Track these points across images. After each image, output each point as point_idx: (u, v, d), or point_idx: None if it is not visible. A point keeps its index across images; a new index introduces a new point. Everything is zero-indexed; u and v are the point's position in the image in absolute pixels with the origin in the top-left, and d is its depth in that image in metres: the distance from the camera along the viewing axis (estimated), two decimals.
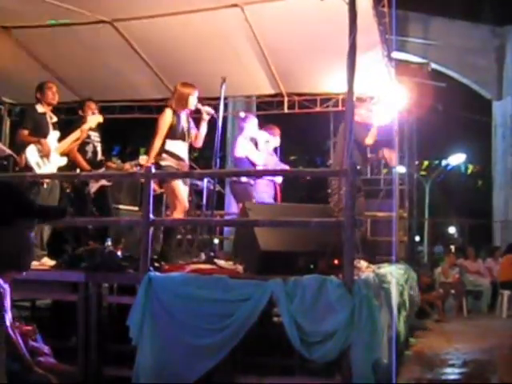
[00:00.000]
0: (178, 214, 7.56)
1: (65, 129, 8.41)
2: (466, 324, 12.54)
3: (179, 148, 7.83)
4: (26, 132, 7.88)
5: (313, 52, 9.12)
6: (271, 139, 9.98)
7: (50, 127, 8.09)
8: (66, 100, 10.45)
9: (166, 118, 7.78)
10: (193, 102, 7.90)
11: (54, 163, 7.96)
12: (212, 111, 8.03)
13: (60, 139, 8.16)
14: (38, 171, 7.77)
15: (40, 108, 8.07)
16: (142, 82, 10.67)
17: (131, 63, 9.99)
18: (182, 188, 7.69)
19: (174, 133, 7.78)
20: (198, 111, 8.00)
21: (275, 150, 10.17)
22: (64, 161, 8.13)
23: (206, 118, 8.00)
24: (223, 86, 7.90)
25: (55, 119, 8.24)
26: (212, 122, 8.12)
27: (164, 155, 7.74)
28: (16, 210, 2.44)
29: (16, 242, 2.46)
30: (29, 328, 4.19)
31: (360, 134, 8.93)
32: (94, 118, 8.52)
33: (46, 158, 7.86)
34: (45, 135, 7.96)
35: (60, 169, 8.08)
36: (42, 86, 8.20)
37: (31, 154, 7.77)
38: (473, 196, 30.83)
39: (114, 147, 15.04)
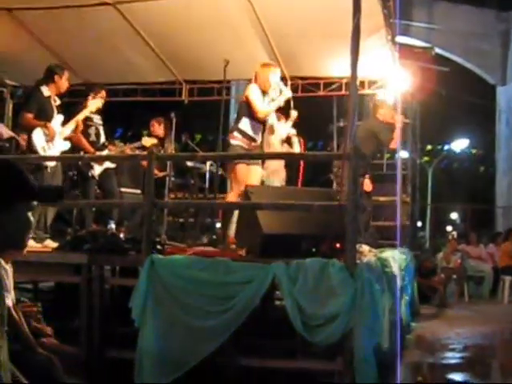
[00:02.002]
0: (232, 197, 7.52)
1: (67, 111, 8.40)
2: (468, 309, 12.57)
3: (254, 128, 7.75)
4: (30, 115, 7.78)
5: (316, 35, 9.09)
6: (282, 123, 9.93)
7: (55, 111, 8.03)
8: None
9: (252, 92, 7.66)
10: (274, 80, 7.78)
11: (57, 148, 7.93)
12: (289, 94, 7.92)
13: (63, 123, 8.14)
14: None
15: (46, 91, 7.93)
16: (145, 65, 10.64)
17: (134, 46, 9.96)
18: (244, 171, 7.60)
19: (251, 111, 7.66)
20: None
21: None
22: (67, 145, 8.10)
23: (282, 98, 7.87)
24: (226, 68, 7.83)
25: (59, 102, 8.18)
26: (215, 106, 8.05)
27: (235, 133, 7.66)
28: (16, 191, 2.45)
29: (15, 222, 2.46)
30: (32, 309, 4.20)
31: (386, 136, 8.97)
32: (93, 103, 8.49)
33: (51, 142, 7.83)
34: (49, 119, 7.87)
35: (63, 153, 8.05)
36: (55, 71, 8.06)
37: (38, 138, 7.70)
38: (475, 181, 30.78)
39: (116, 130, 15.03)
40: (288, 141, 9.77)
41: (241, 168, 7.52)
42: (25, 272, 5.56)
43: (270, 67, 7.87)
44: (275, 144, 9.46)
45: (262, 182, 8.47)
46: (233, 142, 7.62)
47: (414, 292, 10.39)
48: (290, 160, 8.98)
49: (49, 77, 7.99)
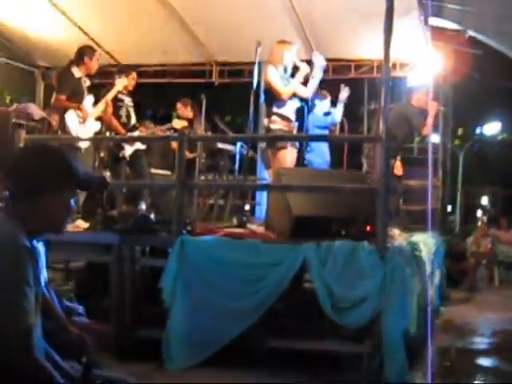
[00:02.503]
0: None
1: (99, 92, 8.44)
2: (497, 294, 12.47)
3: (288, 108, 7.70)
4: (63, 97, 7.82)
5: (348, 17, 9.00)
6: (321, 101, 9.91)
7: (85, 91, 8.08)
8: (100, 63, 10.49)
9: (271, 75, 7.59)
10: (289, 58, 7.70)
11: (89, 129, 7.98)
12: (308, 69, 7.81)
13: (94, 104, 8.18)
14: None
15: (77, 72, 7.97)
16: (176, 46, 10.62)
17: (166, 27, 9.94)
18: (288, 155, 7.55)
19: (277, 93, 7.59)
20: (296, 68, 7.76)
21: (327, 114, 10.08)
22: (98, 126, 8.15)
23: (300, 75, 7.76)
24: (258, 50, 7.77)
25: (89, 83, 8.22)
26: (245, 88, 8.00)
27: (274, 118, 7.64)
28: (65, 178, 2.48)
29: (60, 208, 2.49)
30: (64, 288, 4.25)
31: (419, 121, 8.91)
32: (119, 82, 8.53)
33: (84, 123, 7.88)
34: (81, 100, 7.92)
35: (95, 134, 8.11)
36: (86, 53, 8.08)
37: (71, 119, 7.76)
38: (507, 166, 30.41)
39: (146, 111, 15.07)
40: None
41: (285, 152, 7.49)
42: (56, 251, 5.62)
43: (285, 44, 7.77)
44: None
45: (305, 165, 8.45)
46: (273, 126, 7.59)
47: (444, 276, 10.33)
48: (320, 141, 8.93)
49: (79, 58, 8.02)
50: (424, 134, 9.22)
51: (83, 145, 7.77)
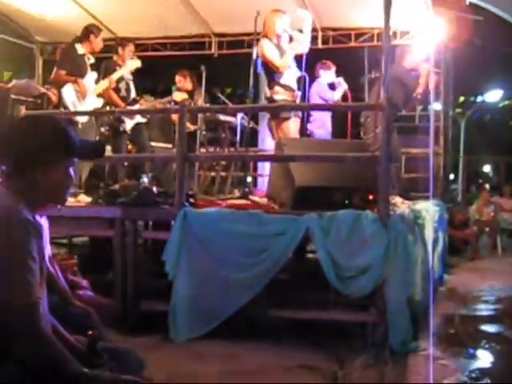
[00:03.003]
0: None
1: (97, 66, 8.43)
2: (500, 262, 12.49)
3: (290, 78, 7.65)
4: (63, 72, 7.89)
5: None
6: (325, 72, 9.88)
7: (88, 68, 8.09)
8: None
9: (266, 49, 7.54)
10: (280, 26, 7.64)
11: (89, 104, 7.97)
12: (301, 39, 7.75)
13: (97, 80, 8.19)
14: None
15: (80, 49, 8.07)
16: (174, 19, 10.54)
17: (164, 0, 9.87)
18: (292, 126, 7.54)
19: (274, 67, 7.55)
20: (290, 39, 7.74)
21: (331, 85, 10.03)
22: (100, 102, 8.15)
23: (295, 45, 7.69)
24: (257, 20, 7.71)
25: (93, 60, 8.25)
26: (244, 60, 7.95)
27: (277, 88, 7.60)
28: (59, 147, 2.45)
29: (59, 179, 2.47)
30: (68, 262, 4.25)
31: (412, 82, 8.79)
32: (131, 63, 8.54)
33: (82, 98, 7.87)
34: (82, 76, 7.97)
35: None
36: (92, 31, 8.16)
37: (68, 93, 7.78)
38: (509, 133, 30.32)
39: (146, 85, 14.99)
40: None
41: (289, 123, 7.47)
42: (59, 226, 5.64)
43: (277, 13, 7.70)
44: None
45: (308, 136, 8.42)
46: (276, 97, 7.55)
47: (446, 244, 10.34)
48: (322, 110, 8.89)
49: (85, 35, 8.14)
50: (418, 93, 9.07)
51: (81, 119, 7.74)
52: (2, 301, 2.19)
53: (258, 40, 7.83)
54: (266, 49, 7.52)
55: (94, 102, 8.04)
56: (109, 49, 9.41)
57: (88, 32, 8.14)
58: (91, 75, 8.10)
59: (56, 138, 2.45)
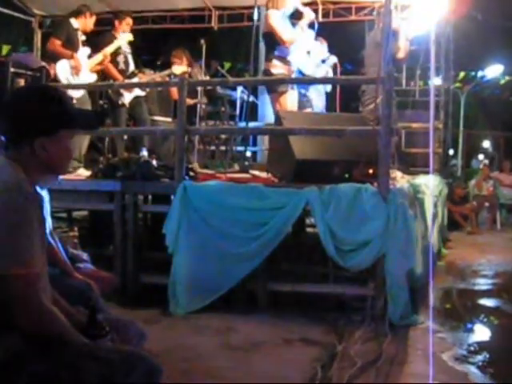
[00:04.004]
0: None
1: (95, 40, 8.40)
2: (499, 237, 12.53)
3: (289, 53, 7.62)
4: (59, 42, 7.91)
5: None
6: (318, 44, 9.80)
7: (80, 44, 8.09)
8: (96, 11, 10.34)
9: (274, 20, 7.47)
10: (291, 2, 7.61)
11: (83, 80, 7.95)
12: (312, 15, 7.73)
13: (90, 56, 8.17)
14: None
15: (75, 23, 8.12)
16: None
17: None
18: (289, 99, 7.53)
19: (280, 39, 7.51)
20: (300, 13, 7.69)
21: (323, 61, 9.96)
22: (94, 78, 8.14)
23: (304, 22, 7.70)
24: None
25: (84, 38, 8.25)
26: (244, 33, 7.89)
27: (274, 61, 7.55)
28: (58, 117, 2.43)
29: (58, 150, 2.45)
30: (69, 234, 4.27)
31: (392, 45, 8.55)
32: (123, 37, 8.51)
33: (76, 74, 7.87)
34: (75, 50, 7.97)
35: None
36: (83, 12, 8.22)
37: (62, 68, 7.79)
38: (509, 109, 30.22)
39: (145, 58, 14.92)
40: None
41: (286, 96, 7.44)
42: (59, 200, 5.64)
43: None
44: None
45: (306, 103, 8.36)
46: (274, 70, 7.51)
47: (445, 219, 10.36)
48: (323, 84, 8.82)
49: (79, 12, 8.21)
50: (399, 57, 8.90)
51: (76, 95, 7.71)
52: (3, 271, 2.19)
53: (258, 13, 7.79)
54: (274, 19, 7.45)
55: (87, 78, 8.02)
56: (106, 22, 9.34)
57: (84, 9, 8.25)
58: (84, 50, 8.10)
59: (54, 107, 2.43)
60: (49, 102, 2.44)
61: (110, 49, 8.34)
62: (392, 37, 8.34)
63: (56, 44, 7.91)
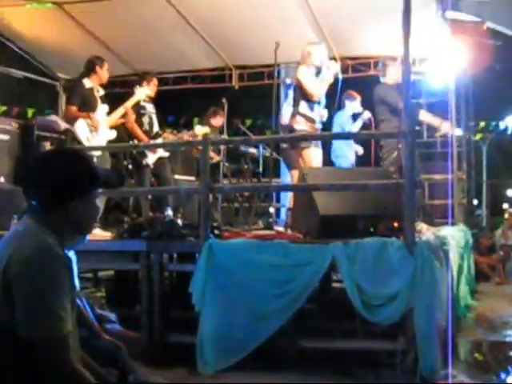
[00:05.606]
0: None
1: (119, 102, 8.50)
2: None
3: (313, 110, 7.74)
4: (74, 108, 7.88)
5: (365, 13, 8.97)
6: (350, 102, 9.92)
7: (98, 101, 8.13)
8: (120, 73, 10.55)
9: (303, 74, 7.63)
10: (317, 58, 7.78)
11: (103, 137, 8.01)
12: (338, 70, 7.86)
13: (110, 112, 8.24)
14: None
15: (88, 83, 8.06)
16: (194, 52, 10.69)
17: (183, 33, 10.01)
18: (312, 155, 7.59)
19: (306, 94, 7.64)
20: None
21: (357, 115, 10.07)
22: (113, 134, 8.20)
23: (329, 75, 7.81)
24: (277, 51, 7.78)
25: (102, 93, 8.27)
26: (264, 91, 8.01)
27: (298, 118, 7.64)
28: (87, 179, 2.49)
29: (86, 210, 2.50)
30: (96, 295, 4.28)
31: (394, 98, 8.52)
32: (141, 91, 8.57)
33: (95, 131, 7.93)
34: (93, 109, 7.98)
35: (110, 142, 8.14)
36: (96, 62, 8.16)
37: (81, 128, 7.83)
38: None
39: (167, 118, 15.10)
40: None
41: (309, 152, 7.49)
42: (85, 260, 5.65)
43: (313, 45, 7.85)
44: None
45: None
46: (297, 127, 7.60)
47: (472, 270, 10.26)
48: (345, 139, 8.89)
49: (90, 69, 8.15)
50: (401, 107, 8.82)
51: (95, 153, 7.80)
52: (34, 335, 2.21)
53: (278, 71, 7.91)
54: (303, 75, 7.61)
55: (106, 134, 8.07)
56: (131, 84, 9.49)
57: (93, 64, 8.15)
58: (102, 107, 8.14)
59: (82, 169, 2.49)
60: (77, 164, 2.49)
61: (129, 102, 8.41)
62: (395, 90, 8.42)
63: (72, 111, 7.88)
